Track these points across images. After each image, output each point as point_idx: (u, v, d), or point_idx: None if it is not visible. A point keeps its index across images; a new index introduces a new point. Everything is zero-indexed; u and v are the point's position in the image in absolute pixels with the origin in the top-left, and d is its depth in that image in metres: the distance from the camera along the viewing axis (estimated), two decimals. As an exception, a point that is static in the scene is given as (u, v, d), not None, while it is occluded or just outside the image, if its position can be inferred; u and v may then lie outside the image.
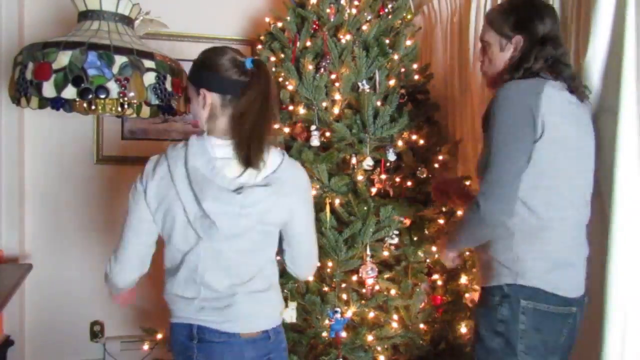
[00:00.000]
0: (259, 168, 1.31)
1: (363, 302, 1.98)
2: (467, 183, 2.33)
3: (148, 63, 1.95)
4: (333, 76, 2.20)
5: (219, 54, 1.34)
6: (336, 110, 2.17)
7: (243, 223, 1.30)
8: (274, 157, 1.36)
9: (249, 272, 1.37)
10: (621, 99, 1.49)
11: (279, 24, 2.42)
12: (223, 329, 1.34)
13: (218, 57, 1.33)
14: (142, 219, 1.35)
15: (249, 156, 1.29)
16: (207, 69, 1.33)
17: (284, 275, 2.02)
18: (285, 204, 1.35)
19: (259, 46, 2.51)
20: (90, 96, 1.84)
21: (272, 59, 2.35)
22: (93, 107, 2.13)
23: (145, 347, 2.31)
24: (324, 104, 2.17)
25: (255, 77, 1.31)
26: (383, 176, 2.10)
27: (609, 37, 1.57)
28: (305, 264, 1.51)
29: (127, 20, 2.10)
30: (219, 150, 1.32)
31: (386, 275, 2.05)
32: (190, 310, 1.35)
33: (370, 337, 1.96)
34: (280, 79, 2.27)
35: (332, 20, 2.28)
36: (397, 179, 2.15)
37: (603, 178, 1.56)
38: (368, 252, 1.97)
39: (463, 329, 2.09)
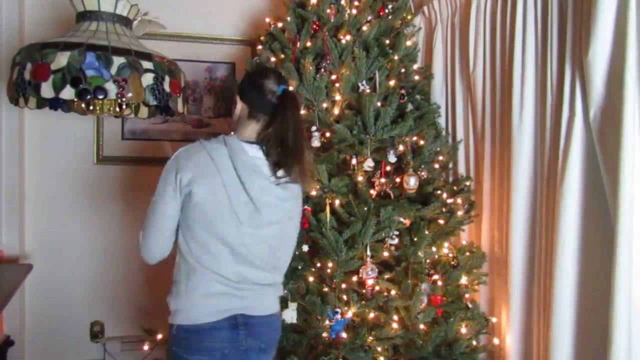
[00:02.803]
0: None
1: (363, 302, 1.97)
2: (467, 183, 2.33)
3: (146, 64, 1.94)
4: (333, 77, 2.19)
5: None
6: (336, 111, 2.17)
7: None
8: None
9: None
10: (624, 100, 1.47)
11: (279, 25, 2.42)
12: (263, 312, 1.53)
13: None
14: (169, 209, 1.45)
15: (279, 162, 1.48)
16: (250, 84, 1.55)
17: (284, 275, 2.02)
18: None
19: (259, 47, 2.50)
20: (89, 97, 1.83)
21: (272, 59, 2.35)
22: (91, 108, 2.13)
23: (146, 347, 2.31)
24: (325, 105, 2.16)
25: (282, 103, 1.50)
26: (383, 179, 2.10)
27: (611, 37, 1.55)
28: None
29: (125, 21, 2.10)
30: (252, 150, 1.49)
31: (386, 276, 2.04)
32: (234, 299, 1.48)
33: (370, 338, 1.96)
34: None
35: (332, 20, 2.27)
36: (397, 180, 2.15)
37: (607, 180, 1.55)
38: (368, 252, 1.97)
39: (463, 329, 2.09)
